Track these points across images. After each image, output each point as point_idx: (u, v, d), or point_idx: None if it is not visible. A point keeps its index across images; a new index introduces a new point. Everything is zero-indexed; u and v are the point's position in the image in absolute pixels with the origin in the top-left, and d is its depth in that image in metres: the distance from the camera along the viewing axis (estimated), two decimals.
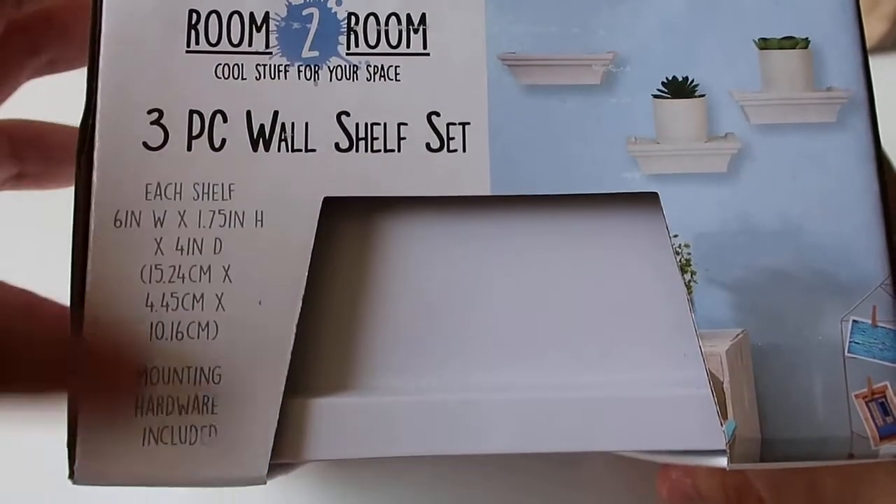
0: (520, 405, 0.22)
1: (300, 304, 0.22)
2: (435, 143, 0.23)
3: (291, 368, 0.22)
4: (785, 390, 0.22)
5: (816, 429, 0.22)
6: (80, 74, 0.23)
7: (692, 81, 0.24)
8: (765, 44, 0.24)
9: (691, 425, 0.22)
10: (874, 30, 0.39)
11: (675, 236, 0.23)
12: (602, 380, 0.23)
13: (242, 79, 0.23)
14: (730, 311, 0.22)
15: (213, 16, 0.24)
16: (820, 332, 0.22)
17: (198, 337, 0.22)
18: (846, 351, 0.22)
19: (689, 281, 0.22)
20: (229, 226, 0.22)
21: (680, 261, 0.23)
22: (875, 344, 0.22)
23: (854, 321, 0.22)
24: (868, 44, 0.25)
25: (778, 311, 0.22)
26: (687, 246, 0.23)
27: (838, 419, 0.22)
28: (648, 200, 0.23)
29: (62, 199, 0.27)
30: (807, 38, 0.24)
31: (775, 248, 0.23)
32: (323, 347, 0.23)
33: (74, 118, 0.23)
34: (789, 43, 0.24)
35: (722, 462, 0.22)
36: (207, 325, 0.22)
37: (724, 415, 0.22)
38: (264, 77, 0.23)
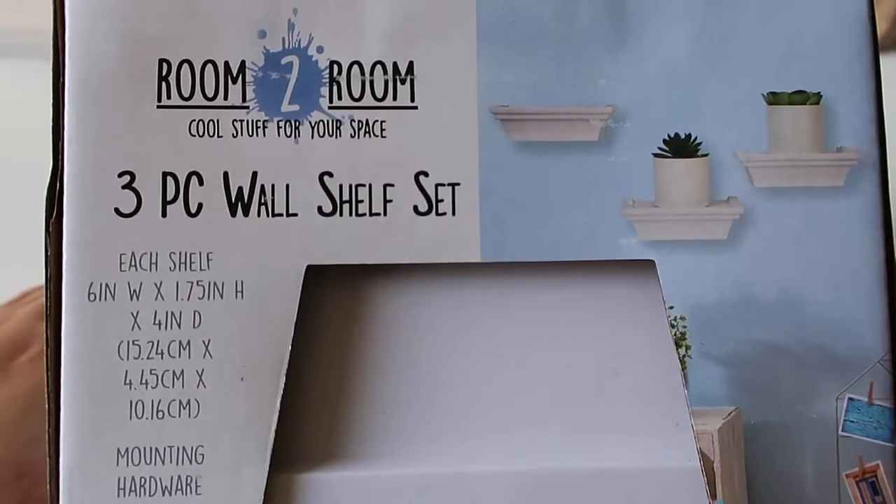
0: (510, 479, 0.22)
1: (284, 379, 0.21)
2: (423, 206, 0.22)
3: (276, 444, 0.21)
4: (776, 470, 0.22)
5: None
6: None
7: (695, 139, 0.22)
8: (774, 98, 0.23)
9: (680, 502, 0.22)
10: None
11: (671, 308, 0.22)
12: (592, 448, 0.23)
13: (218, 136, 0.22)
14: (724, 387, 0.22)
15: (185, 66, 0.22)
16: (814, 410, 0.22)
17: (179, 415, 0.21)
18: (840, 430, 0.22)
19: (684, 356, 0.22)
20: (208, 298, 0.22)
21: (675, 334, 0.22)
22: (870, 423, 0.22)
23: (850, 399, 0.22)
24: None
25: (772, 388, 0.22)
26: (682, 318, 0.22)
27: (828, 499, 0.22)
28: (645, 268, 0.22)
29: None
30: (819, 93, 0.23)
31: (773, 322, 0.22)
32: (308, 421, 0.23)
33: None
34: (800, 98, 0.22)
35: None
36: (188, 402, 0.21)
37: (713, 495, 0.21)
38: (242, 134, 0.22)
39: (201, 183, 0.22)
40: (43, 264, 0.21)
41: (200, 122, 0.22)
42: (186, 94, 0.22)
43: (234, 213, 0.22)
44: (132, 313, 0.21)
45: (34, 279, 0.39)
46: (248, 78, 0.22)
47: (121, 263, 0.21)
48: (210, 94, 0.22)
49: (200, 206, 0.22)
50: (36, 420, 0.34)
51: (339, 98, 0.22)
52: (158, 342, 0.21)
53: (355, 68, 0.22)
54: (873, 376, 0.22)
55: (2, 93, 0.44)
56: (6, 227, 0.40)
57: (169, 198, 0.22)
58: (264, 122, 0.22)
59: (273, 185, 0.22)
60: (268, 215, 0.22)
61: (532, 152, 0.22)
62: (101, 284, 0.21)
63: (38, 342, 0.35)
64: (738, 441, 0.22)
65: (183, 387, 0.21)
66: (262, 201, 0.22)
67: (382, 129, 0.22)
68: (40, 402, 0.34)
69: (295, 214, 0.22)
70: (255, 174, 0.22)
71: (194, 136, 0.22)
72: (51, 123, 0.22)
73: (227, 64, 0.22)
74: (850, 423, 0.22)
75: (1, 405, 0.34)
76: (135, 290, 0.21)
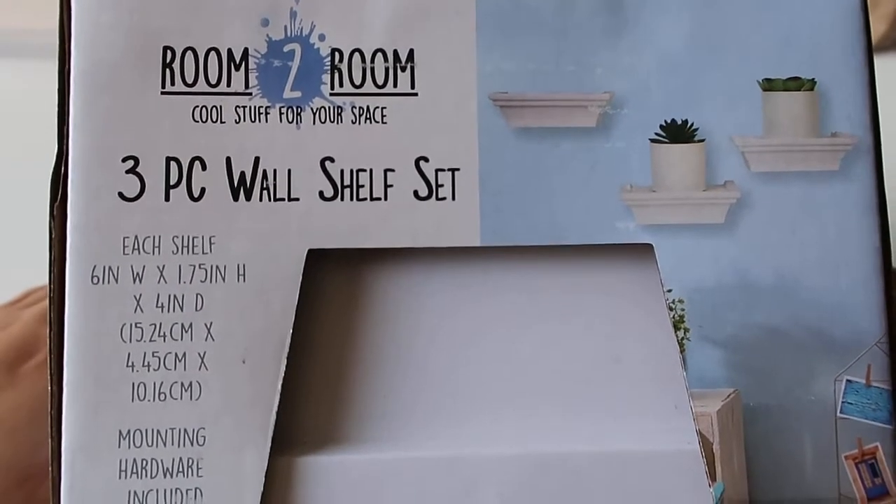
0: (510, 462, 0.22)
1: (285, 362, 0.22)
2: (423, 191, 0.22)
3: (277, 426, 0.21)
4: (775, 452, 0.22)
5: (805, 491, 0.22)
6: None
7: (692, 125, 0.23)
8: (769, 85, 0.23)
9: (680, 485, 0.22)
10: (874, 30, 0.37)
11: (669, 291, 0.22)
12: (592, 431, 0.23)
13: (221, 122, 0.22)
14: (722, 369, 0.22)
15: (189, 53, 0.22)
16: (812, 393, 0.22)
17: (181, 398, 0.21)
18: (838, 411, 0.22)
19: (683, 338, 0.22)
20: (210, 281, 0.22)
21: (674, 317, 0.22)
22: (868, 404, 0.22)
23: (848, 381, 0.22)
24: None
25: (771, 371, 0.22)
26: (681, 301, 0.22)
27: (827, 481, 0.22)
28: (643, 252, 0.23)
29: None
30: (813, 80, 0.23)
31: (771, 305, 0.22)
32: (309, 404, 0.23)
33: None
34: (795, 84, 0.23)
35: None
36: (190, 385, 0.21)
37: (712, 476, 0.21)
38: (244, 120, 0.22)
39: (204, 168, 0.22)
40: (47, 252, 0.22)
41: (203, 108, 0.22)
42: (190, 80, 0.22)
43: (236, 198, 0.22)
44: (135, 296, 0.22)
45: (35, 279, 0.39)
46: (251, 65, 0.23)
47: (124, 247, 0.22)
48: (213, 80, 0.22)
49: (203, 190, 0.22)
50: (43, 425, 0.33)
51: (341, 85, 0.23)
52: (161, 325, 0.21)
53: (356, 56, 0.23)
54: (871, 358, 0.22)
55: (2, 93, 0.44)
56: (6, 227, 0.40)
57: (172, 182, 0.22)
58: (266, 108, 0.22)
59: (275, 170, 0.22)
60: (269, 200, 0.22)
61: (531, 138, 0.23)
62: (104, 268, 0.21)
63: (45, 347, 0.35)
64: (738, 423, 0.22)
65: (185, 369, 0.21)
66: (264, 186, 0.22)
67: (383, 116, 0.23)
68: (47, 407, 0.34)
69: (296, 199, 0.22)
70: (257, 159, 0.22)
71: (197, 121, 0.22)
72: (56, 110, 0.22)
73: (230, 51, 0.22)
74: (848, 404, 0.22)
75: (8, 410, 0.34)
76: (137, 274, 0.22)
